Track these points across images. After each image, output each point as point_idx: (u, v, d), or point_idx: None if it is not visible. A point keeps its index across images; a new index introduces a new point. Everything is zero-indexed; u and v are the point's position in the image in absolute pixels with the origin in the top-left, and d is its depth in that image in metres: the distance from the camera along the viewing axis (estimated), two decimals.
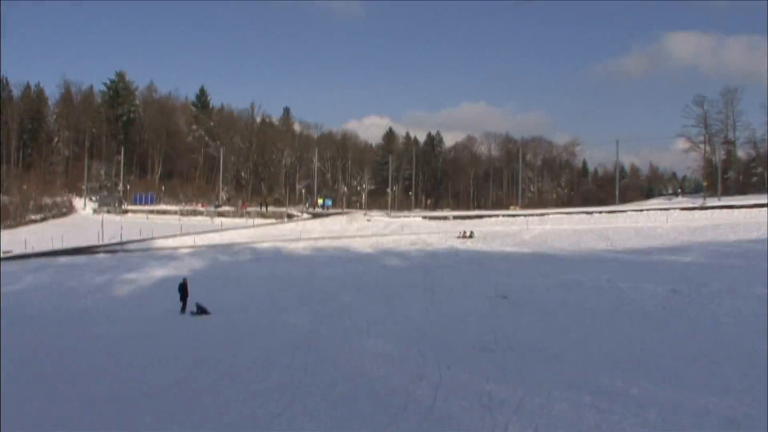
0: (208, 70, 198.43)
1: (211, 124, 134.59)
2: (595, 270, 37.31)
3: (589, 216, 72.02)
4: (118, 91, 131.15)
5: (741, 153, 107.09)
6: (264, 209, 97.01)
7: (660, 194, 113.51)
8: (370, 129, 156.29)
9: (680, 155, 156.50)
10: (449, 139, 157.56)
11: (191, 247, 65.00)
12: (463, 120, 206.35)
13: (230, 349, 18.91)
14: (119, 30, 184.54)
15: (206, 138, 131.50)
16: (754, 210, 63.31)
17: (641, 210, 72.98)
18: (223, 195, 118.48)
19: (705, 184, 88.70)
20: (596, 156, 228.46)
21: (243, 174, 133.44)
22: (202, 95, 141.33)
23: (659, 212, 69.69)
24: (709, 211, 67.33)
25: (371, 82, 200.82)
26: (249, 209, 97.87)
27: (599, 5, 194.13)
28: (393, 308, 27.85)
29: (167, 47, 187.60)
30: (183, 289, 29.63)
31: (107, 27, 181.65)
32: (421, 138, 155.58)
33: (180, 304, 29.10)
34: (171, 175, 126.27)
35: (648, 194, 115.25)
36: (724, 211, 66.54)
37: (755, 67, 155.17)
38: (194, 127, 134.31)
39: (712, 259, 42.04)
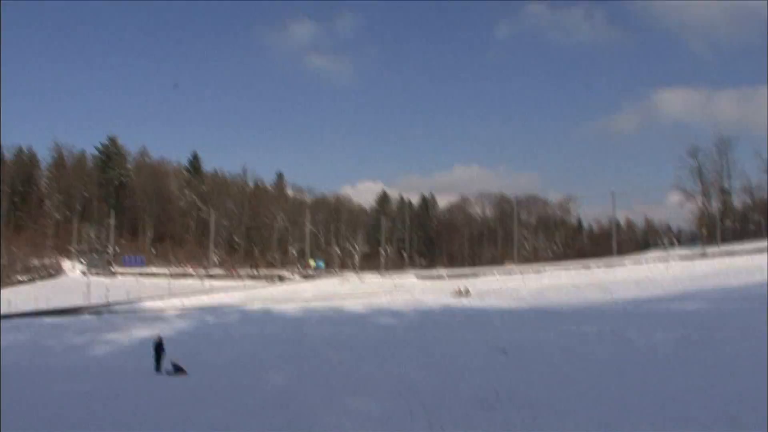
0: (201, 135, 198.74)
1: (204, 188, 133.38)
2: (597, 322, 35.30)
3: (587, 270, 70.16)
4: (110, 155, 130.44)
5: (737, 201, 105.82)
6: (255, 271, 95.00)
7: (656, 247, 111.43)
8: (364, 194, 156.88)
9: (674, 208, 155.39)
10: (443, 201, 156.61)
11: (179, 309, 63.09)
12: (457, 183, 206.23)
13: (197, 409, 16.83)
14: (112, 95, 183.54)
15: (198, 202, 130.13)
16: (755, 255, 61.50)
17: (640, 262, 71.15)
18: (215, 258, 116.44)
19: (705, 232, 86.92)
20: (590, 212, 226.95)
21: (235, 238, 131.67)
22: (194, 160, 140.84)
23: (658, 263, 67.84)
24: (708, 259, 65.36)
25: (364, 147, 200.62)
26: (240, 272, 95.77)
27: (588, 66, 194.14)
28: (384, 366, 25.74)
29: (160, 112, 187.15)
30: (158, 346, 27.36)
31: (100, 92, 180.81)
32: (415, 201, 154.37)
33: (155, 362, 26.82)
34: (162, 238, 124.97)
35: (644, 247, 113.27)
36: (725, 258, 64.79)
37: (745, 118, 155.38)
38: (186, 191, 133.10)
39: (717, 305, 40.10)
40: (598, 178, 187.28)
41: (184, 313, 59.59)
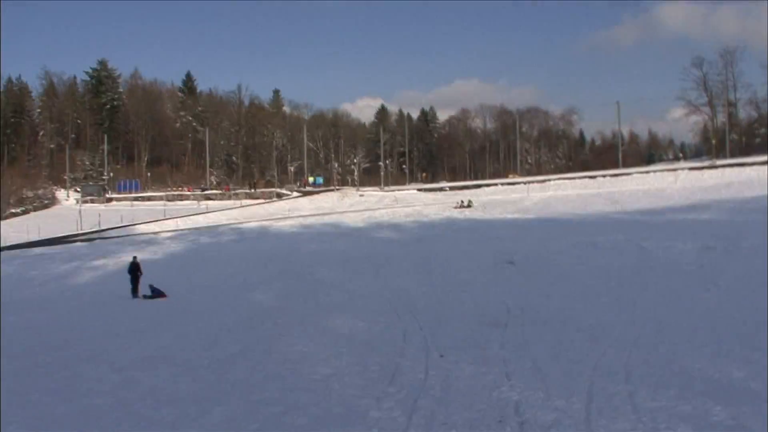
0: (194, 55, 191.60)
1: (199, 109, 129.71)
2: (609, 231, 32.91)
3: (593, 180, 67.40)
4: (101, 79, 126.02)
5: (742, 114, 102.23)
6: (253, 190, 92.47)
7: (661, 160, 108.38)
8: (363, 110, 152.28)
9: (677, 123, 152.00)
10: (443, 116, 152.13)
11: (173, 231, 60.51)
12: (457, 97, 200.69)
13: (164, 332, 14.84)
14: (101, 18, 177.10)
15: (194, 123, 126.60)
16: (766, 166, 58.47)
17: (647, 172, 68.36)
18: (213, 179, 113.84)
19: (714, 141, 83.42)
20: (593, 126, 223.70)
21: (233, 158, 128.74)
22: (188, 80, 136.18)
23: (667, 173, 65.28)
24: (719, 170, 62.60)
25: (362, 63, 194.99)
26: (238, 191, 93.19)
27: None
28: (381, 280, 23.58)
29: (151, 33, 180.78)
30: (133, 269, 24.98)
31: (89, 16, 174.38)
32: (415, 116, 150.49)
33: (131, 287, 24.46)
34: (159, 162, 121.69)
35: (648, 161, 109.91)
36: (735, 169, 61.79)
37: (748, 33, 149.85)
38: (182, 113, 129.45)
39: (733, 215, 37.80)
40: (600, 92, 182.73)
41: (179, 234, 57.20)
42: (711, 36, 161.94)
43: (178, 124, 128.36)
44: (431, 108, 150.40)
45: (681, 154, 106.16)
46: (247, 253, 38.40)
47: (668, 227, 33.44)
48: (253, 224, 60.74)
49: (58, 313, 20.47)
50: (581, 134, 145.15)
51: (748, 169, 60.45)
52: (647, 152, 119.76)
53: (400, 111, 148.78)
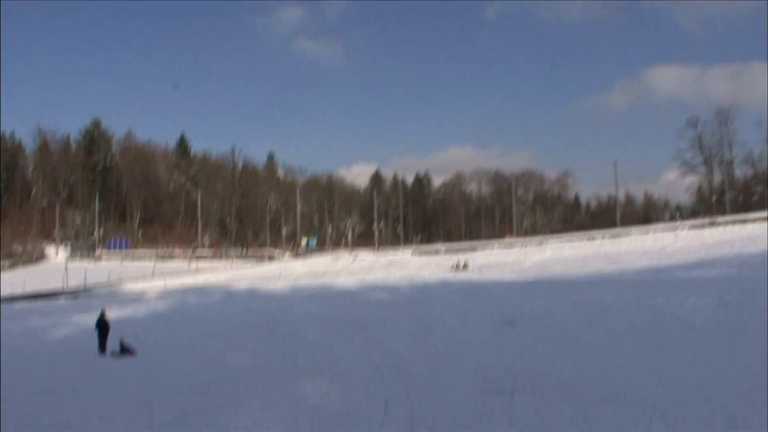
0: (189, 118, 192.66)
1: (193, 171, 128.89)
2: (612, 290, 30.99)
3: (591, 242, 65.58)
4: (94, 138, 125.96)
5: (738, 173, 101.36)
6: (245, 251, 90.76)
7: (657, 221, 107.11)
8: (358, 176, 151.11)
9: (671, 186, 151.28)
10: (439, 181, 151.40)
11: (160, 290, 58.70)
12: (452, 163, 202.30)
13: (106, 391, 13.29)
14: (96, 77, 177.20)
15: (188, 185, 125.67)
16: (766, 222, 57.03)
17: (647, 232, 66.62)
18: (205, 241, 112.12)
19: (713, 199, 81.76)
20: (588, 189, 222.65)
21: (227, 220, 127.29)
22: (182, 142, 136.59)
23: (666, 233, 63.57)
24: (719, 228, 60.93)
25: (357, 130, 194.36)
26: (230, 253, 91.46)
27: (579, 45, 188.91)
28: (370, 342, 21.56)
29: (146, 93, 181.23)
30: (101, 324, 23.00)
31: (84, 74, 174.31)
32: (410, 181, 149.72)
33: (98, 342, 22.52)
34: (151, 222, 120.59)
35: (645, 222, 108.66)
36: (735, 226, 60.26)
37: (739, 93, 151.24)
38: (175, 174, 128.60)
39: (740, 271, 35.87)
40: (595, 156, 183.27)
41: (166, 294, 55.09)
42: (703, 97, 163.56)
43: (171, 186, 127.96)
44: (426, 172, 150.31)
45: (678, 215, 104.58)
46: (234, 314, 36.38)
47: (675, 285, 31.36)
48: (243, 285, 58.83)
49: (9, 366, 18.47)
50: (576, 198, 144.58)
51: (749, 225, 59.00)
52: (643, 214, 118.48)
53: (395, 176, 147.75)
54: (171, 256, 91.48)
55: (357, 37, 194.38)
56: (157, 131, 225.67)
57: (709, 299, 23.91)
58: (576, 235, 71.88)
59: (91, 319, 35.32)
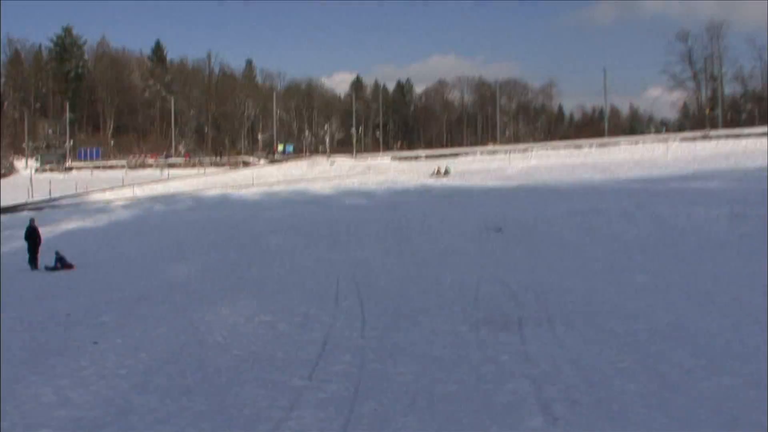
0: (165, 23, 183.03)
1: (168, 78, 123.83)
2: (607, 198, 28.03)
3: (578, 150, 62.46)
4: (66, 47, 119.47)
5: (727, 90, 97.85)
6: (219, 158, 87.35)
7: (644, 134, 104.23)
8: (339, 84, 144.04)
9: (655, 102, 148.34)
10: (421, 90, 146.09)
11: (129, 198, 55.52)
12: (434, 73, 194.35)
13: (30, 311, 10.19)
14: None
15: (163, 93, 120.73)
16: (764, 138, 53.88)
17: (636, 142, 63.56)
18: (181, 149, 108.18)
19: (707, 111, 78.30)
20: (573, 100, 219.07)
21: (204, 128, 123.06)
22: (157, 49, 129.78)
23: (657, 143, 60.62)
24: (713, 141, 58.03)
25: (337, 37, 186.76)
26: (204, 159, 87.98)
27: None
28: (339, 250, 18.75)
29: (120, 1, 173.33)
30: (31, 235, 19.98)
31: None
32: (391, 88, 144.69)
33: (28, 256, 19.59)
34: (126, 131, 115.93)
35: (631, 134, 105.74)
36: (730, 140, 57.34)
37: (728, 11, 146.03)
38: (150, 81, 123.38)
39: (745, 184, 32.67)
40: (578, 70, 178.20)
41: (134, 202, 52.44)
42: (691, 14, 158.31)
43: (146, 93, 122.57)
44: (408, 80, 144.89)
45: (665, 129, 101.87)
46: (199, 221, 33.39)
47: (676, 195, 28.57)
48: (214, 192, 55.80)
49: None
50: (560, 108, 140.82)
51: (744, 140, 56.01)
52: (629, 127, 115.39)
53: (376, 82, 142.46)
54: (143, 165, 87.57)
55: None
56: (132, 38, 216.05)
57: (721, 211, 21.06)
58: (562, 144, 68.68)
59: (47, 233, 32.68)
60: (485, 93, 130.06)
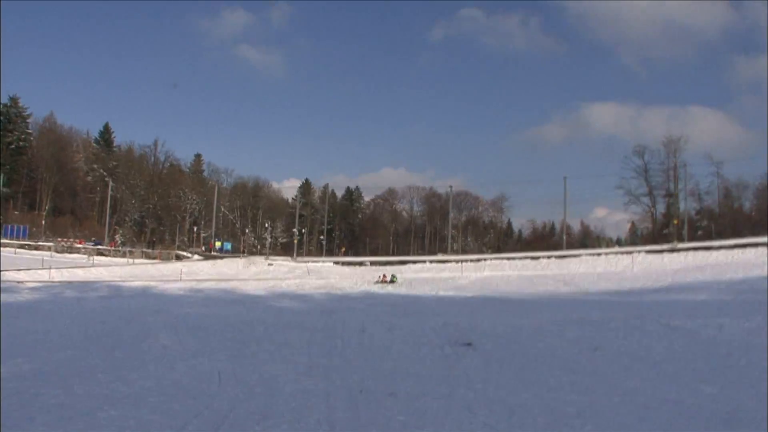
0: (117, 109, 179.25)
1: (114, 163, 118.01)
2: (595, 309, 22.70)
3: (535, 261, 57.81)
4: (10, 116, 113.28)
5: (683, 206, 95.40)
6: (151, 249, 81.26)
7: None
8: (289, 190, 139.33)
9: (601, 222, 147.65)
10: (370, 197, 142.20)
11: (43, 282, 48.97)
12: (384, 185, 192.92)
13: None
14: (19, 56, 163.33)
15: (106, 178, 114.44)
16: (736, 250, 50.65)
17: (598, 254, 59.16)
18: (117, 238, 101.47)
19: (675, 222, 74.58)
20: (523, 216, 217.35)
21: (145, 219, 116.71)
22: (105, 132, 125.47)
23: (621, 256, 56.40)
24: (681, 254, 54.15)
25: (289, 143, 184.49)
26: (136, 249, 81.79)
27: (520, 75, 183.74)
28: (238, 361, 12.79)
29: (74, 80, 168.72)
30: None
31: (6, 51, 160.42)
32: (341, 195, 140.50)
33: None
34: (63, 213, 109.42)
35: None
36: (699, 252, 53.47)
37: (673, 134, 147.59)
38: (95, 165, 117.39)
39: (736, 296, 28.12)
40: (530, 184, 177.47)
41: (46, 286, 45.50)
42: (637, 138, 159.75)
43: (89, 177, 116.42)
44: (357, 188, 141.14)
45: (617, 245, 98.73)
46: (96, 311, 27.14)
47: (666, 308, 23.31)
48: (136, 283, 49.47)
49: None
50: (509, 224, 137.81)
51: (715, 253, 52.15)
52: (580, 243, 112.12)
53: (325, 186, 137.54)
54: (71, 249, 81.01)
55: (299, 49, 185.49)
56: (81, 117, 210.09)
57: (748, 322, 15.97)
58: (518, 255, 63.99)
59: None
60: (435, 204, 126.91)
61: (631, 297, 30.96)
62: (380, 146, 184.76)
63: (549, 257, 58.55)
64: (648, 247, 60.13)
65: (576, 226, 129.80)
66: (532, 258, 59.24)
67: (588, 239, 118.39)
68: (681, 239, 69.98)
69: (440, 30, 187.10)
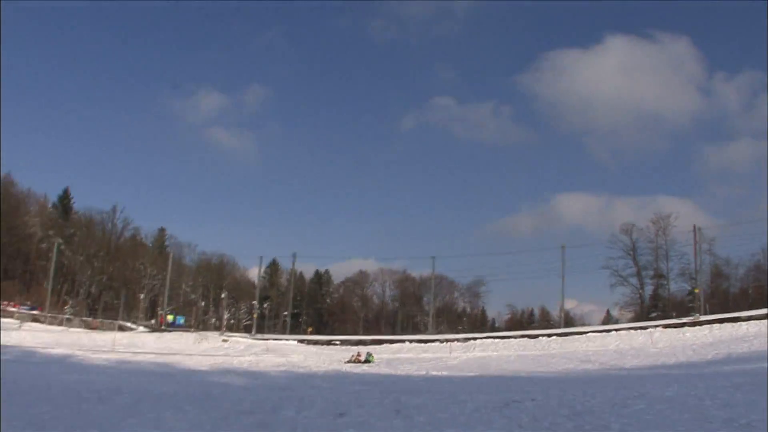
0: (79, 176, 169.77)
1: (71, 231, 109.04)
2: (636, 385, 15.38)
3: (533, 341, 49.26)
4: None
5: (673, 287, 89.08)
6: (91, 318, 72.62)
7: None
8: (256, 272, 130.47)
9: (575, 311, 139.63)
10: (340, 280, 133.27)
11: None
12: (355, 269, 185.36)
13: None
14: None
15: (61, 246, 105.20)
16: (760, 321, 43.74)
17: (608, 331, 50.83)
18: (66, 309, 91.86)
19: (696, 291, 65.87)
20: (494, 310, 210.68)
21: (102, 291, 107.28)
22: (65, 197, 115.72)
23: (634, 332, 48.24)
24: (704, 327, 46.68)
25: (256, 228, 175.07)
26: (71, 317, 73.31)
27: (491, 165, 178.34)
28: None
29: (36, 142, 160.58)
30: None
31: None
32: (309, 278, 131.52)
33: None
34: (12, 278, 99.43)
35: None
36: (725, 325, 46.11)
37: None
38: (50, 232, 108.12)
39: None
40: (500, 283, 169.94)
41: None
42: (607, 228, 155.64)
43: (44, 244, 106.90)
44: (326, 271, 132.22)
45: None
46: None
47: (726, 381, 15.76)
48: (60, 351, 41.37)
49: None
50: (483, 312, 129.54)
51: (744, 324, 44.90)
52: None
53: (293, 268, 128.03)
54: (5, 313, 71.92)
55: (271, 133, 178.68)
56: (39, 179, 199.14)
57: None
58: (514, 334, 55.32)
59: None
60: (408, 288, 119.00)
61: (689, 370, 23.04)
62: (350, 235, 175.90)
63: (549, 335, 50.08)
64: (665, 322, 51.67)
65: (554, 314, 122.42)
66: (530, 337, 50.70)
67: (570, 325, 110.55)
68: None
69: (412, 119, 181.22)
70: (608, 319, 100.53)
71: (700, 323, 47.77)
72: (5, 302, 77.65)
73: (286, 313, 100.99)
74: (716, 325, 46.19)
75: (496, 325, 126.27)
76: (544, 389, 16.21)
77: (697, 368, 24.75)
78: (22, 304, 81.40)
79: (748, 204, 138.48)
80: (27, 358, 34.52)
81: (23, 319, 67.24)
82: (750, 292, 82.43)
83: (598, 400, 12.55)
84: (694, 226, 67.66)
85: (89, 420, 9.80)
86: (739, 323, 45.28)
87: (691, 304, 75.85)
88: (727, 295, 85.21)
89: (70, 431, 8.85)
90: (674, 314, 66.36)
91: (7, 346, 41.31)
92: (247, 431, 9.33)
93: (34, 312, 75.64)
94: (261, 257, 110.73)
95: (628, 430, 8.81)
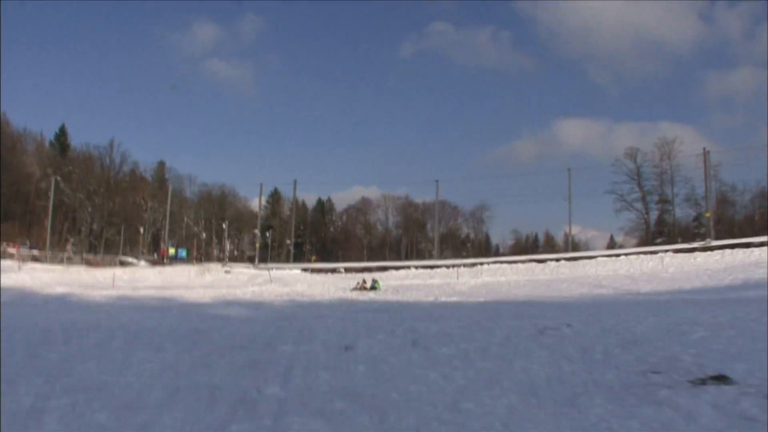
0: (77, 113, 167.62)
1: (69, 168, 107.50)
2: (675, 311, 15.14)
3: (542, 265, 48.47)
4: None
5: (679, 212, 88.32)
6: (93, 255, 71.67)
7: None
8: (257, 201, 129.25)
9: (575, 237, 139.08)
10: (343, 208, 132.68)
11: None
12: (357, 197, 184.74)
13: None
14: None
15: (61, 185, 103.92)
16: None
17: (617, 255, 49.90)
18: (69, 247, 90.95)
19: (707, 215, 64.65)
20: (498, 236, 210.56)
21: (104, 228, 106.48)
22: (61, 135, 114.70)
23: (644, 256, 47.55)
24: (716, 252, 45.67)
25: (257, 160, 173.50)
26: (71, 255, 72.41)
27: (490, 91, 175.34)
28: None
29: (35, 83, 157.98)
30: None
31: None
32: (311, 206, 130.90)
33: None
34: (12, 219, 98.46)
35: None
36: (737, 251, 44.98)
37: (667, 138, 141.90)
38: (48, 170, 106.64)
39: None
40: (504, 207, 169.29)
41: None
42: (608, 154, 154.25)
43: (43, 183, 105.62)
44: (329, 199, 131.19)
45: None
46: None
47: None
48: (58, 290, 39.66)
49: None
50: (487, 237, 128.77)
51: (756, 250, 43.75)
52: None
53: (294, 196, 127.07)
54: (4, 254, 70.90)
55: (269, 64, 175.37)
56: (36, 117, 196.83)
57: None
58: (522, 258, 54.51)
59: None
60: (412, 215, 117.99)
61: (711, 295, 21.86)
62: (351, 163, 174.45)
63: (557, 260, 49.18)
64: (675, 246, 50.71)
65: (559, 240, 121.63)
66: (538, 261, 49.79)
67: (578, 249, 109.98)
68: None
69: (410, 45, 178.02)
70: (612, 245, 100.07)
71: (711, 248, 46.80)
72: (5, 243, 76.81)
73: (289, 242, 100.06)
74: (728, 251, 45.35)
75: (501, 251, 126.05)
76: (575, 315, 15.09)
77: (720, 293, 23.70)
78: (21, 243, 79.93)
79: (749, 132, 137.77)
80: (21, 300, 33.63)
81: (23, 259, 66.30)
82: (756, 218, 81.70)
83: (645, 327, 11.42)
84: (704, 149, 65.66)
85: (40, 365, 8.55)
86: (751, 249, 44.40)
87: (697, 230, 75.36)
88: (733, 221, 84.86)
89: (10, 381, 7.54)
90: (680, 240, 65.66)
91: (11, 289, 40.52)
92: (230, 375, 8.04)
93: (35, 252, 74.10)
94: (261, 184, 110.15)
95: (705, 364, 7.62)
